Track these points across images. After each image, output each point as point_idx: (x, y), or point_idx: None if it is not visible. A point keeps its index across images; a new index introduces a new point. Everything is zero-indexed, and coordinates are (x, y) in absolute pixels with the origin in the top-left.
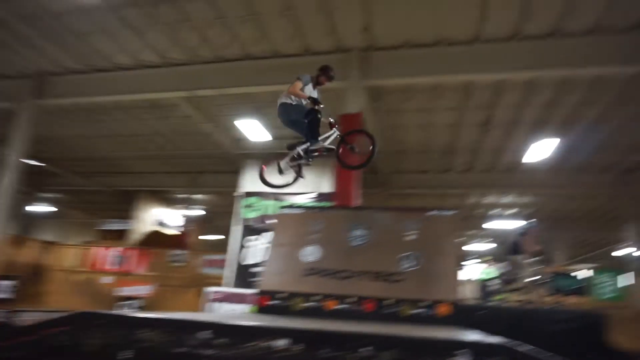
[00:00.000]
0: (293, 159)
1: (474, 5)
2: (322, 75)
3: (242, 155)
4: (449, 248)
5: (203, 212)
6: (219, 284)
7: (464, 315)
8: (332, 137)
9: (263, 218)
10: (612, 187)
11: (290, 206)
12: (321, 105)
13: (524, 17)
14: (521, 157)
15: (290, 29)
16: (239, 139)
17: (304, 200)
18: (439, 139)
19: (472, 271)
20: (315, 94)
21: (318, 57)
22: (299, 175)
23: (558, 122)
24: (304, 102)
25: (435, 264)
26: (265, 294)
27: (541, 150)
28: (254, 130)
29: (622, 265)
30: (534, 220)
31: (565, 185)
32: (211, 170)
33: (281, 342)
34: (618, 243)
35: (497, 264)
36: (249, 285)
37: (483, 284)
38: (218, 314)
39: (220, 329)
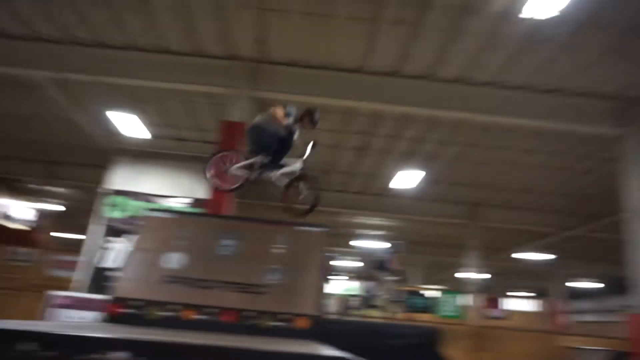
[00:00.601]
0: (246, 166)
1: (361, 38)
2: (307, 117)
3: (113, 150)
4: (315, 263)
5: (60, 207)
6: (68, 288)
7: (322, 330)
8: (291, 169)
9: (130, 219)
10: (461, 218)
11: (159, 209)
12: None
13: (404, 59)
14: (390, 183)
15: (182, 26)
16: (111, 133)
17: (178, 204)
18: (319, 158)
19: (337, 286)
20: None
21: (208, 60)
22: (245, 183)
23: (423, 156)
24: (280, 130)
25: (300, 278)
26: (118, 301)
27: (407, 179)
28: (130, 125)
29: (463, 287)
30: (400, 241)
31: (425, 212)
32: (73, 162)
33: (120, 355)
34: (462, 267)
35: (361, 281)
36: (104, 290)
37: (345, 299)
38: (52, 323)
39: (49, 340)
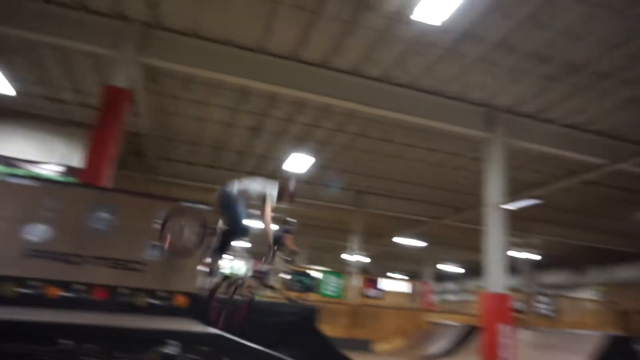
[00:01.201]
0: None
1: (261, 18)
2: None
3: None
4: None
5: None
6: None
7: (202, 308)
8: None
9: None
10: (348, 203)
11: (21, 175)
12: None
13: (301, 44)
14: (282, 166)
15: None
16: None
17: (49, 171)
18: (211, 134)
19: (224, 265)
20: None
21: (93, 16)
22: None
23: (315, 142)
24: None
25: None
26: None
27: (299, 164)
28: None
29: (346, 268)
30: (295, 220)
31: (315, 197)
32: None
33: None
34: (346, 250)
35: (249, 260)
36: None
37: (230, 277)
38: None
39: None
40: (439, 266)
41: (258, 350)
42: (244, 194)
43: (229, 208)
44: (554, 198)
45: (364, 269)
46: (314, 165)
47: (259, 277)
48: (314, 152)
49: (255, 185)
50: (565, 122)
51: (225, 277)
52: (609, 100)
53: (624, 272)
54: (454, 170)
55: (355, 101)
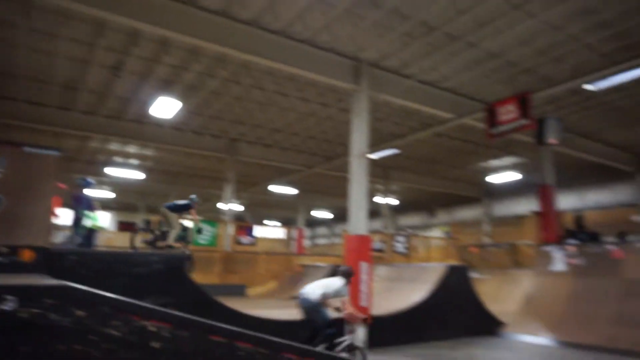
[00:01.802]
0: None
1: None
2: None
3: None
4: (44, 191)
5: None
6: None
7: (53, 262)
8: None
9: None
10: (220, 151)
11: None
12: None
13: None
14: (148, 110)
15: None
16: None
17: None
18: (61, 72)
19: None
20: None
21: None
22: None
23: (183, 86)
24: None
25: (25, 207)
26: None
27: (166, 108)
28: None
29: (220, 217)
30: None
31: (185, 144)
32: None
33: None
34: (221, 199)
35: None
36: None
37: (90, 230)
38: None
39: None
40: (312, 212)
41: (113, 298)
42: (326, 296)
43: (317, 314)
44: (411, 149)
45: (238, 217)
46: (183, 111)
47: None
48: (183, 97)
49: (330, 288)
50: (421, 79)
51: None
52: (457, 61)
53: (464, 213)
54: (324, 120)
55: (224, 44)
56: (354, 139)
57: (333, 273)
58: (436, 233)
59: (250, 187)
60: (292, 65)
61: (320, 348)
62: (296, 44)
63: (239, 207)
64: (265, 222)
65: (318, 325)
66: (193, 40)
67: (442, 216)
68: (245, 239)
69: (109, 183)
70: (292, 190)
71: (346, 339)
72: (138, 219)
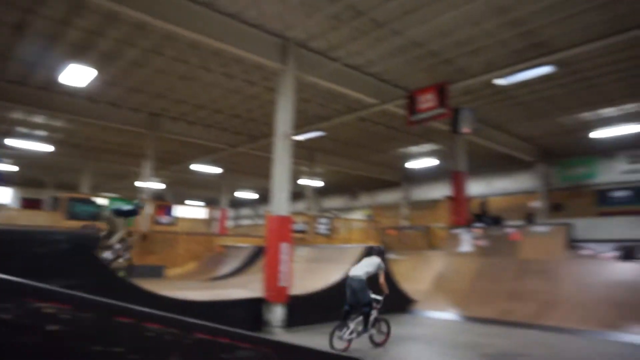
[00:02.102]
0: None
1: None
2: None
3: None
4: None
5: None
6: None
7: None
8: None
9: None
10: (139, 126)
11: None
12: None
13: None
14: (57, 77)
15: None
16: None
17: None
18: None
19: None
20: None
21: None
22: None
23: (98, 53)
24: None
25: None
26: None
27: (79, 76)
28: None
29: (138, 195)
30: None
31: (100, 116)
32: None
33: None
34: (140, 176)
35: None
36: None
37: None
38: None
39: None
40: (237, 193)
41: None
42: (369, 274)
43: (363, 293)
44: (336, 131)
45: (158, 196)
46: (98, 80)
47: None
48: (98, 65)
49: (372, 266)
50: (348, 62)
51: None
52: (382, 47)
53: (385, 197)
54: (249, 98)
55: (145, 12)
56: (279, 119)
57: (369, 253)
58: (358, 215)
59: (171, 165)
60: (218, 40)
61: (355, 322)
62: (223, 17)
63: (159, 186)
64: (187, 202)
65: (361, 303)
66: (109, 4)
67: (365, 199)
68: (164, 219)
69: (10, 155)
70: (215, 170)
71: (374, 313)
72: (45, 196)
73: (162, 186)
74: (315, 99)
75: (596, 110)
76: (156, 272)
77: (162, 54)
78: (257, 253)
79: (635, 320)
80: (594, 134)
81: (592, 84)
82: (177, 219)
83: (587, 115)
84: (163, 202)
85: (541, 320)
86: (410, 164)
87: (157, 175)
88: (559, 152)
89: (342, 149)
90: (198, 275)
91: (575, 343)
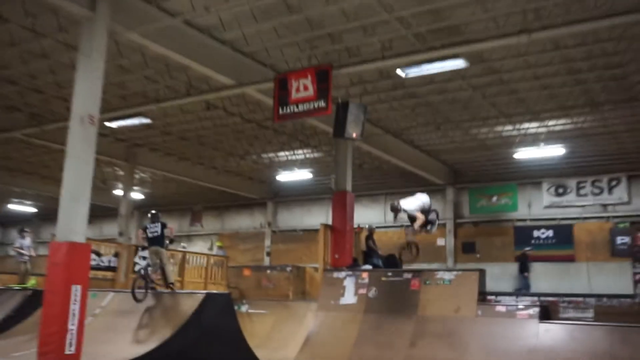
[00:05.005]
0: None
1: None
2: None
3: None
4: None
5: None
6: None
7: None
8: None
9: None
10: None
11: None
12: None
13: None
14: None
15: None
16: None
17: None
18: None
19: None
20: None
21: None
22: None
23: None
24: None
25: None
26: None
27: None
28: None
29: None
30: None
31: None
32: None
33: None
34: None
35: None
36: None
37: None
38: None
39: None
40: (10, 205)
41: None
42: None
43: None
44: (170, 120)
45: None
46: None
47: None
48: None
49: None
50: (192, 21)
51: None
52: (239, 3)
53: (240, 221)
54: (34, 56)
55: None
56: (79, 92)
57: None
58: (200, 247)
59: None
60: None
61: None
62: None
63: None
64: None
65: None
66: None
67: (211, 223)
68: None
69: None
70: None
71: None
72: None
73: None
74: (139, 69)
75: (520, 124)
76: None
77: None
78: (32, 301)
79: None
80: (518, 155)
81: (513, 90)
82: None
83: (508, 129)
84: None
85: None
86: (279, 177)
87: None
88: (473, 175)
89: (179, 146)
90: None
91: None
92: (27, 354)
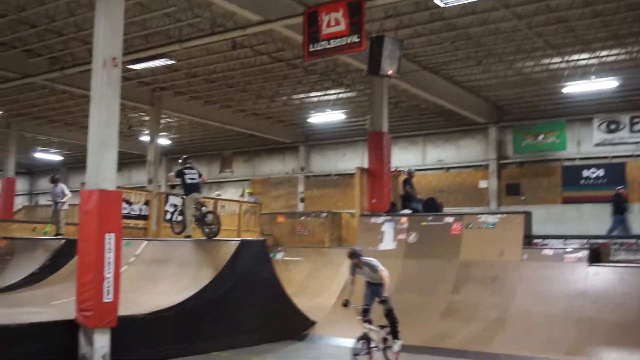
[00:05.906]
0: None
1: None
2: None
3: None
4: None
5: None
6: None
7: None
8: None
9: None
10: None
11: None
12: None
13: None
14: None
15: None
16: None
17: None
18: None
19: None
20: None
21: None
22: None
23: None
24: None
25: None
26: None
27: None
28: None
29: None
30: None
31: None
32: None
33: None
34: None
35: None
36: None
37: None
38: None
39: None
40: (36, 154)
41: None
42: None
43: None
44: (194, 61)
45: None
46: None
47: None
48: None
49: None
50: None
51: None
52: None
53: (272, 166)
54: None
55: None
56: (99, 33)
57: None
58: (232, 194)
59: None
60: None
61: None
62: None
63: None
64: None
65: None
66: None
67: (241, 169)
68: None
69: None
70: None
71: None
72: None
73: None
74: (162, 6)
75: (569, 55)
76: None
77: None
78: (67, 250)
79: (609, 344)
80: (567, 89)
81: (561, 18)
82: None
83: (556, 61)
84: None
85: (487, 346)
86: (311, 119)
87: None
88: (517, 113)
89: (205, 89)
90: None
91: None
92: (66, 302)
